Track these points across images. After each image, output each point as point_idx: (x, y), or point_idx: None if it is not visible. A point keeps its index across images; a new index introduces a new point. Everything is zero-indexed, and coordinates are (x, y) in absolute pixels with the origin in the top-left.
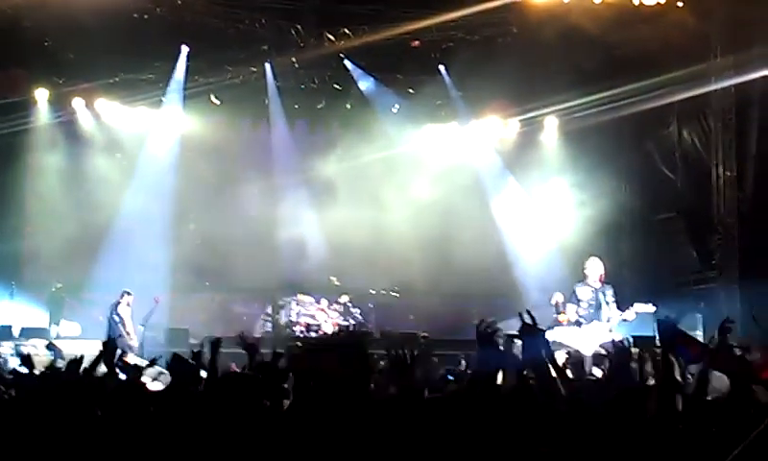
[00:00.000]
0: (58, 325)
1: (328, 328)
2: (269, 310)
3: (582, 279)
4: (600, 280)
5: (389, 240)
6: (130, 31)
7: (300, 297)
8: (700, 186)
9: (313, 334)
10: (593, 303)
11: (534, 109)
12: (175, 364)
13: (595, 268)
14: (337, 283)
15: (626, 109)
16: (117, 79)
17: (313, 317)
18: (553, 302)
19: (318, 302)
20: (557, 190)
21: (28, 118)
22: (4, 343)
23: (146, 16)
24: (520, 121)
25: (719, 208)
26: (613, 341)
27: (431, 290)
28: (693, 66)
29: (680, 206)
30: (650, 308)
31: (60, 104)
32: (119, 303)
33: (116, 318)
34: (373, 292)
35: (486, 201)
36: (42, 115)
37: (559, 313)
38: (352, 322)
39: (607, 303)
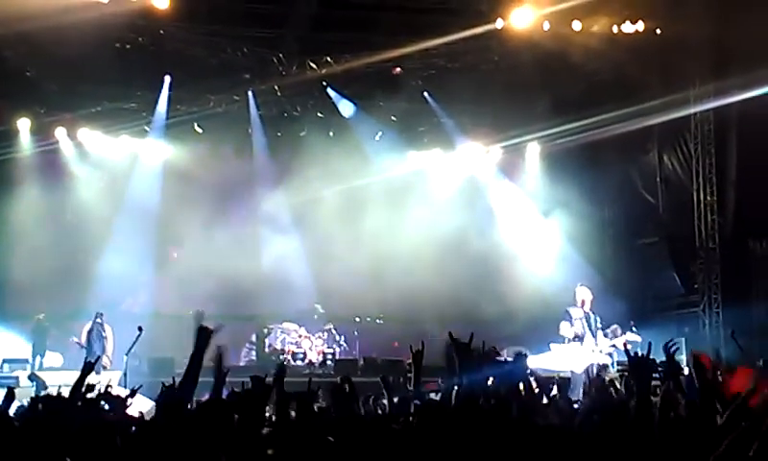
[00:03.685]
0: (42, 355)
1: (313, 356)
2: (253, 338)
3: (573, 303)
4: (584, 307)
5: (374, 267)
6: (112, 60)
7: (285, 324)
8: (681, 211)
9: (299, 362)
10: (585, 323)
11: (516, 135)
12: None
13: (582, 294)
14: (321, 311)
15: (607, 135)
16: (100, 108)
17: (298, 345)
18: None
19: (303, 329)
20: (539, 216)
21: (10, 148)
22: None
23: (128, 46)
24: (502, 147)
25: (701, 233)
26: (598, 365)
27: (416, 317)
28: (672, 92)
29: (662, 231)
30: (637, 338)
31: (42, 133)
32: (101, 323)
33: (104, 333)
34: (358, 319)
35: (472, 227)
36: (24, 145)
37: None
38: (337, 349)
39: (597, 328)
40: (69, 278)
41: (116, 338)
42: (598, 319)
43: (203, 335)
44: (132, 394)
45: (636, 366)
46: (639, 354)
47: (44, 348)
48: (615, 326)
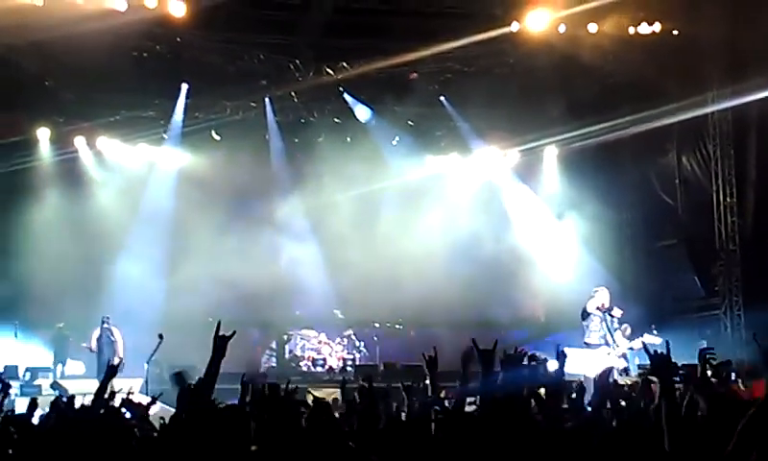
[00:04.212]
0: (63, 364)
1: (333, 362)
2: (273, 345)
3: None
4: (602, 309)
5: (392, 272)
6: (130, 69)
7: (304, 331)
8: (701, 213)
9: (319, 368)
10: (602, 329)
11: (533, 138)
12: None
13: (602, 297)
14: (341, 317)
15: (624, 136)
16: (118, 117)
17: (318, 351)
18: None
19: (323, 336)
20: (558, 219)
21: (30, 157)
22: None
23: (145, 54)
24: (520, 151)
25: (720, 235)
26: (618, 369)
27: (436, 322)
28: (690, 93)
29: (681, 232)
30: (657, 340)
31: (61, 142)
32: (109, 327)
33: (112, 338)
34: (377, 325)
35: (489, 231)
36: (44, 154)
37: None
38: (357, 355)
39: (615, 329)
40: (89, 286)
41: (126, 341)
42: (615, 321)
43: (220, 343)
44: (154, 401)
45: (659, 366)
46: (660, 353)
47: (65, 356)
48: (626, 325)
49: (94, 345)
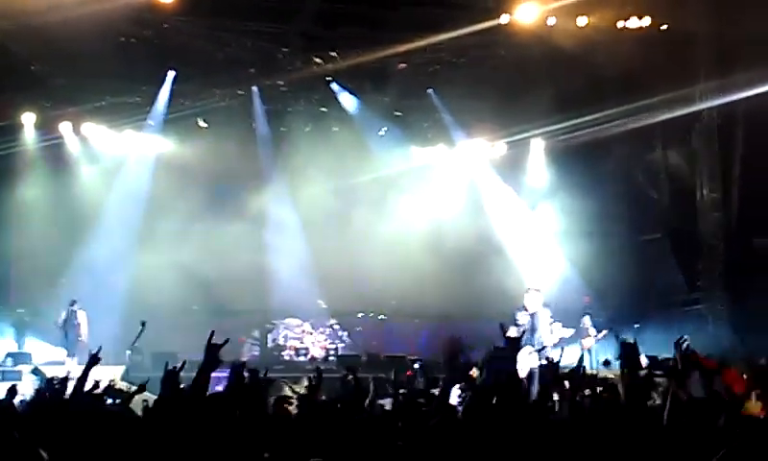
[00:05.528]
0: (21, 348)
1: (316, 352)
2: (256, 334)
3: (522, 307)
4: (527, 310)
5: (377, 263)
6: (116, 55)
7: (287, 320)
8: (685, 207)
9: (301, 358)
10: (528, 327)
11: (520, 130)
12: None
13: (529, 298)
14: (324, 306)
15: (611, 130)
16: (104, 102)
17: (301, 341)
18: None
19: (307, 325)
20: (543, 211)
21: (15, 142)
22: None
23: (133, 40)
24: (507, 143)
25: (705, 229)
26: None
27: (419, 313)
28: (677, 88)
29: (665, 226)
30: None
31: (47, 127)
32: (75, 311)
33: (75, 321)
34: (361, 315)
35: (476, 222)
36: (29, 139)
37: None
38: (340, 345)
39: (539, 326)
40: (71, 270)
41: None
42: (546, 316)
43: (212, 351)
44: (141, 390)
45: (627, 357)
46: (628, 344)
47: (23, 342)
48: (587, 316)
49: (60, 323)
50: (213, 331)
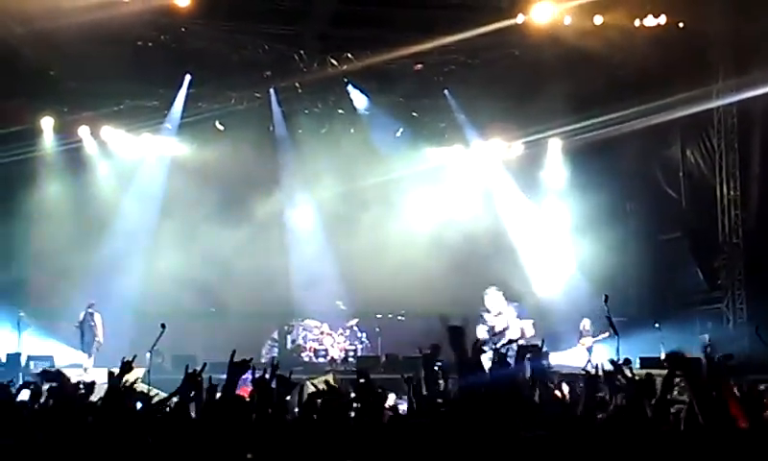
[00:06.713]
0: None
1: (335, 353)
2: (275, 335)
3: (485, 307)
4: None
5: (395, 263)
6: (134, 58)
7: (306, 322)
8: (704, 206)
9: (321, 359)
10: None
11: (537, 130)
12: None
13: (495, 299)
14: (343, 308)
15: (629, 129)
16: (122, 106)
17: (320, 342)
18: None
19: (325, 326)
20: (560, 211)
21: (34, 147)
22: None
23: (150, 44)
24: (524, 143)
25: (724, 228)
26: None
27: (438, 314)
28: (695, 86)
29: (684, 226)
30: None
31: (65, 132)
32: (92, 313)
33: (92, 323)
34: (380, 316)
35: (494, 223)
36: (48, 143)
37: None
38: (359, 346)
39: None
40: (88, 272)
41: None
42: (513, 315)
43: (234, 371)
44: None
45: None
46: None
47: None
48: (586, 319)
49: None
50: (234, 351)
